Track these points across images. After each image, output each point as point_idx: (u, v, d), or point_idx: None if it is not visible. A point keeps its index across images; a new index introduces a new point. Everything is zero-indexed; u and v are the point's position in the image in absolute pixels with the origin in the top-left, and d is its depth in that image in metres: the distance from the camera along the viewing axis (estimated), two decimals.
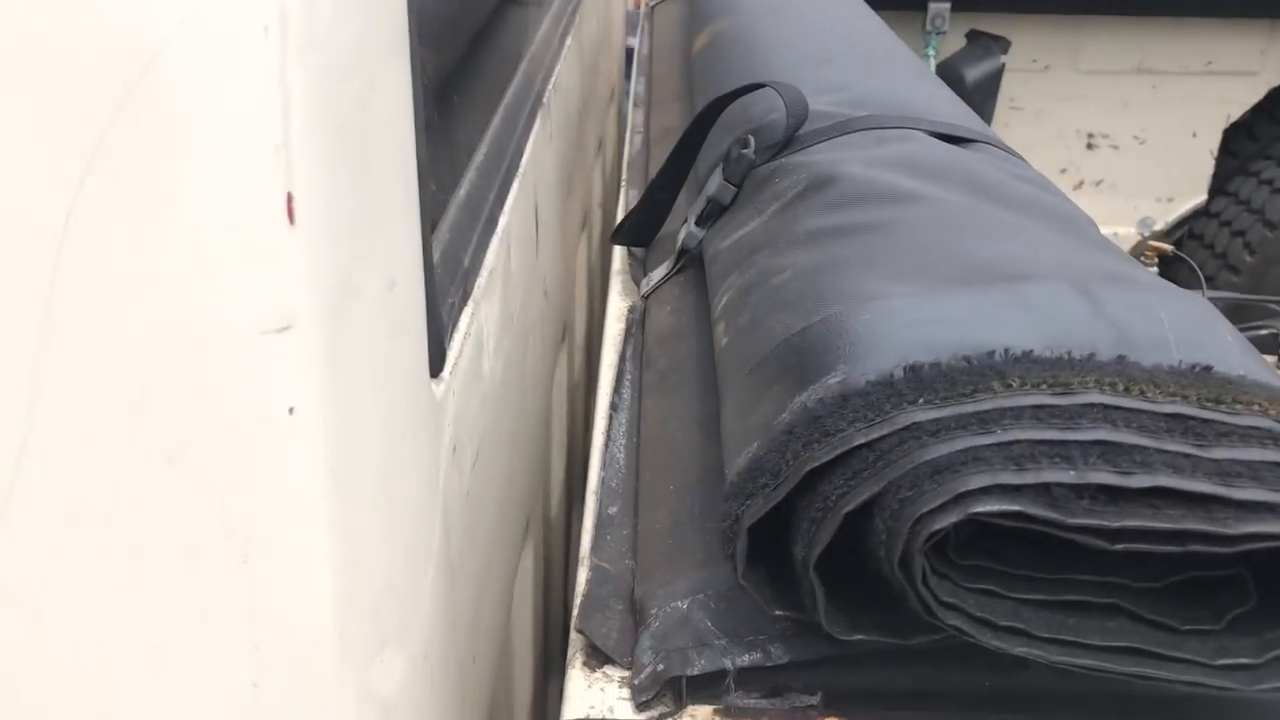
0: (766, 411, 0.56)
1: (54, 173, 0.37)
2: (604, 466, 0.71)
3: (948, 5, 2.63)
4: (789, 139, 0.88)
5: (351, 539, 0.42)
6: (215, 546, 0.40)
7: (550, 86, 1.07)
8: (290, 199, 0.38)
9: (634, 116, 1.51)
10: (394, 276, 0.45)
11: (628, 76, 2.18)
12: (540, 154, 0.96)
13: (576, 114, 1.34)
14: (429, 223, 0.51)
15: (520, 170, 0.82)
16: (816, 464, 0.49)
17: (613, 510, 0.67)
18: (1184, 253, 2.83)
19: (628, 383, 0.82)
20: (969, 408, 0.49)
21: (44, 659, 0.39)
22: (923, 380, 0.50)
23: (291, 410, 0.40)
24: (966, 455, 0.47)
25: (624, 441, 0.74)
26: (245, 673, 0.40)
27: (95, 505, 0.39)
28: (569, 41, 1.29)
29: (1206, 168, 2.92)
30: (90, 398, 0.39)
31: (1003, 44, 2.64)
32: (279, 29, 0.38)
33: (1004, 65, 2.65)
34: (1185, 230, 3.00)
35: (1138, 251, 2.74)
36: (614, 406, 0.78)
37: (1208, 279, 2.79)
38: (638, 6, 2.11)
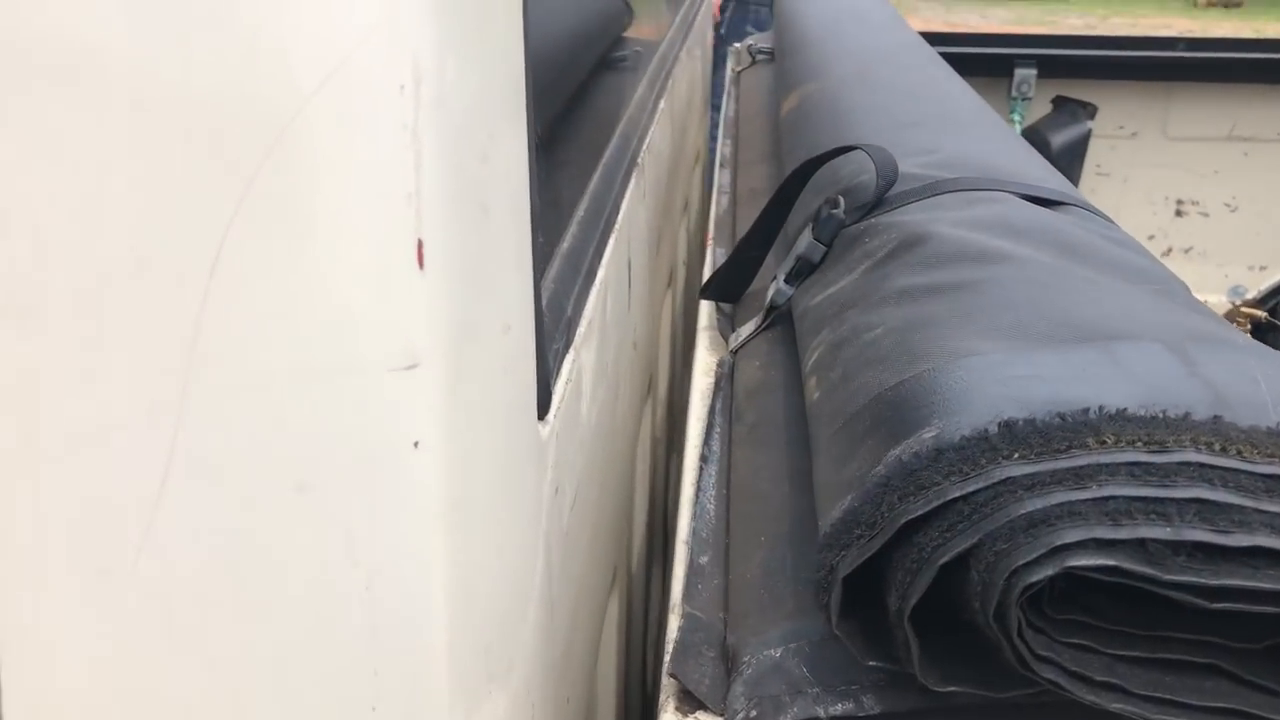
0: (860, 465, 0.57)
1: (209, 212, 0.40)
2: (695, 517, 0.72)
3: (1034, 72, 2.64)
4: (879, 200, 0.90)
5: (465, 572, 0.44)
6: (340, 573, 0.42)
7: (645, 147, 1.10)
8: (420, 245, 0.41)
9: (720, 177, 1.54)
10: (508, 321, 0.48)
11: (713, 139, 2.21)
12: (634, 211, 0.98)
13: (666, 174, 1.37)
14: (539, 271, 0.53)
15: (616, 226, 0.85)
16: (912, 516, 0.50)
17: (703, 560, 0.68)
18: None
19: (717, 435, 0.83)
20: (1064, 463, 0.50)
21: (179, 668, 0.41)
22: (1017, 435, 0.51)
23: (416, 444, 0.42)
24: (1062, 510, 0.48)
25: (714, 493, 0.75)
26: (366, 695, 0.42)
27: (232, 527, 0.42)
28: (662, 104, 1.32)
29: None
30: (230, 424, 0.41)
31: (1089, 110, 2.64)
32: (413, 87, 0.41)
33: (1091, 131, 2.65)
34: None
35: (1230, 318, 2.69)
36: (704, 458, 0.80)
37: None
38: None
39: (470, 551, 0.45)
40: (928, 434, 0.54)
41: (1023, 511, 0.48)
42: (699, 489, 0.76)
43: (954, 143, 1.03)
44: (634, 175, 0.99)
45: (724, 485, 0.76)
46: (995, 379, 0.57)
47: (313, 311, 0.41)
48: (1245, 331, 2.44)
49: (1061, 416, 0.52)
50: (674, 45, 1.67)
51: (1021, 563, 0.47)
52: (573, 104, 0.82)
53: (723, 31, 4.23)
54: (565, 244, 0.68)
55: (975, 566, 0.49)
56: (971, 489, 0.50)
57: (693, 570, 0.68)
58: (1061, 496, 0.48)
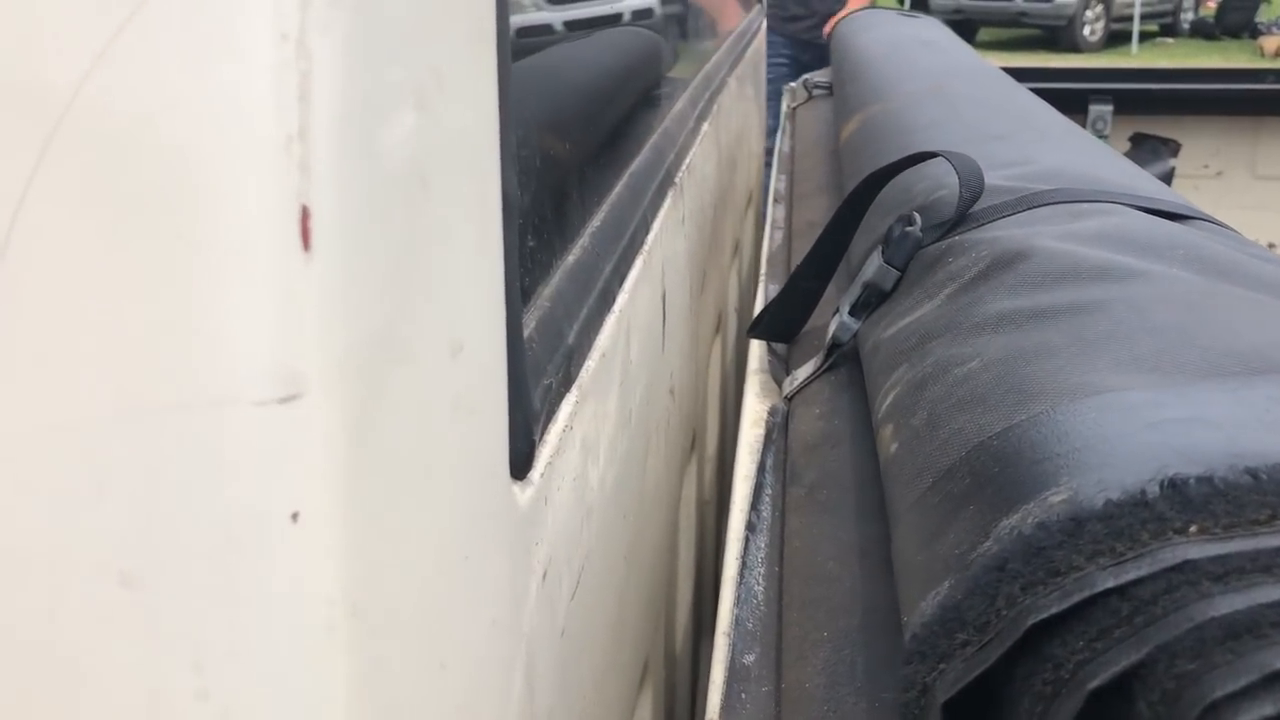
0: (959, 538, 0.42)
1: None
2: (738, 603, 0.57)
3: (1109, 108, 2.47)
4: (962, 215, 0.75)
5: (378, 709, 0.30)
6: (182, 708, 0.28)
7: (684, 167, 0.96)
8: (305, 214, 0.27)
9: (774, 212, 1.40)
10: (460, 339, 0.33)
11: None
12: (670, 236, 0.84)
13: (712, 205, 1.23)
14: (518, 279, 0.39)
15: (645, 247, 0.71)
16: (1043, 616, 0.35)
17: (749, 659, 0.53)
18: None
19: (767, 499, 0.68)
20: (1269, 541, 0.34)
21: None
22: (1191, 500, 0.36)
23: (295, 516, 0.28)
24: (1277, 612, 0.32)
25: (763, 571, 0.60)
26: None
27: (28, 637, 0.28)
28: (705, 127, 1.19)
29: None
30: (22, 487, 0.28)
31: (1172, 146, 2.46)
32: None
33: (1174, 169, 2.47)
34: None
35: None
36: (751, 527, 0.65)
37: None
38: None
39: (389, 674, 0.30)
40: (1056, 497, 0.39)
41: (1216, 614, 0.33)
42: (744, 565, 0.61)
43: (1048, 154, 0.88)
44: (669, 194, 0.85)
45: (775, 561, 0.61)
46: (1144, 422, 0.42)
47: (139, 316, 0.27)
48: None
49: (1253, 474, 0.37)
50: (720, 68, 1.54)
51: (1222, 694, 0.31)
52: (589, 95, 0.69)
53: None
54: (571, 257, 0.54)
55: (1144, 695, 0.33)
56: (1132, 576, 0.35)
57: (735, 673, 0.52)
58: (1274, 592, 0.32)
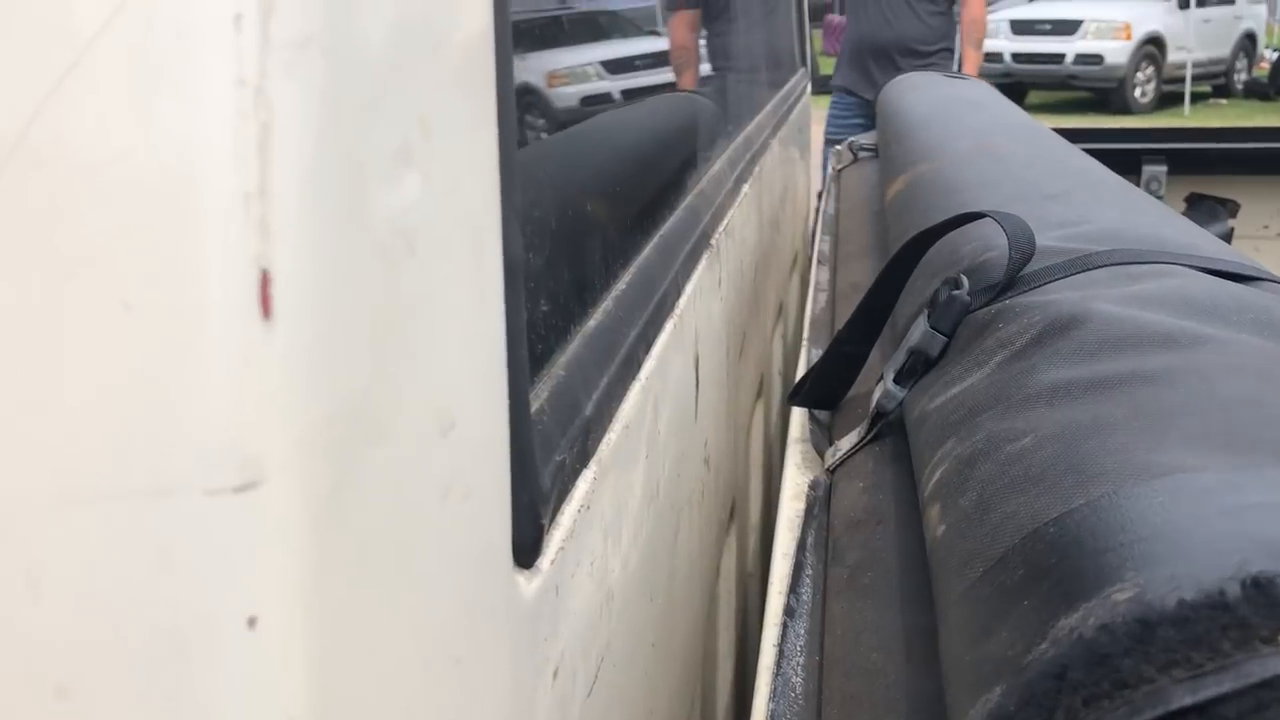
0: (1013, 637, 0.38)
1: None
2: (774, 696, 0.53)
3: (1164, 169, 2.42)
4: (1012, 278, 0.71)
5: None
6: None
7: (721, 229, 0.93)
8: (266, 279, 0.24)
9: (817, 275, 1.37)
10: (451, 415, 0.30)
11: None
12: (705, 300, 0.81)
13: (753, 268, 1.20)
14: (522, 347, 0.36)
15: (677, 311, 0.68)
16: None
17: None
18: None
19: (808, 580, 0.64)
20: None
21: None
22: (1277, 602, 0.32)
23: (252, 621, 0.24)
24: None
25: (802, 661, 0.56)
26: None
27: None
28: (745, 188, 1.16)
29: None
30: None
31: (1230, 207, 2.40)
32: (257, 20, 0.24)
33: (1233, 230, 2.41)
34: None
35: None
36: (789, 612, 0.60)
37: None
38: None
39: None
40: (1121, 595, 0.35)
41: None
42: (781, 654, 0.57)
43: (1104, 214, 0.84)
44: (704, 257, 0.82)
45: (815, 651, 0.57)
46: (1218, 509, 0.38)
47: (78, 392, 0.24)
48: None
49: None
50: (763, 130, 1.51)
51: None
52: (617, 164, 0.66)
53: None
54: (591, 322, 0.51)
55: None
56: (1212, 694, 0.30)
57: None
58: None
